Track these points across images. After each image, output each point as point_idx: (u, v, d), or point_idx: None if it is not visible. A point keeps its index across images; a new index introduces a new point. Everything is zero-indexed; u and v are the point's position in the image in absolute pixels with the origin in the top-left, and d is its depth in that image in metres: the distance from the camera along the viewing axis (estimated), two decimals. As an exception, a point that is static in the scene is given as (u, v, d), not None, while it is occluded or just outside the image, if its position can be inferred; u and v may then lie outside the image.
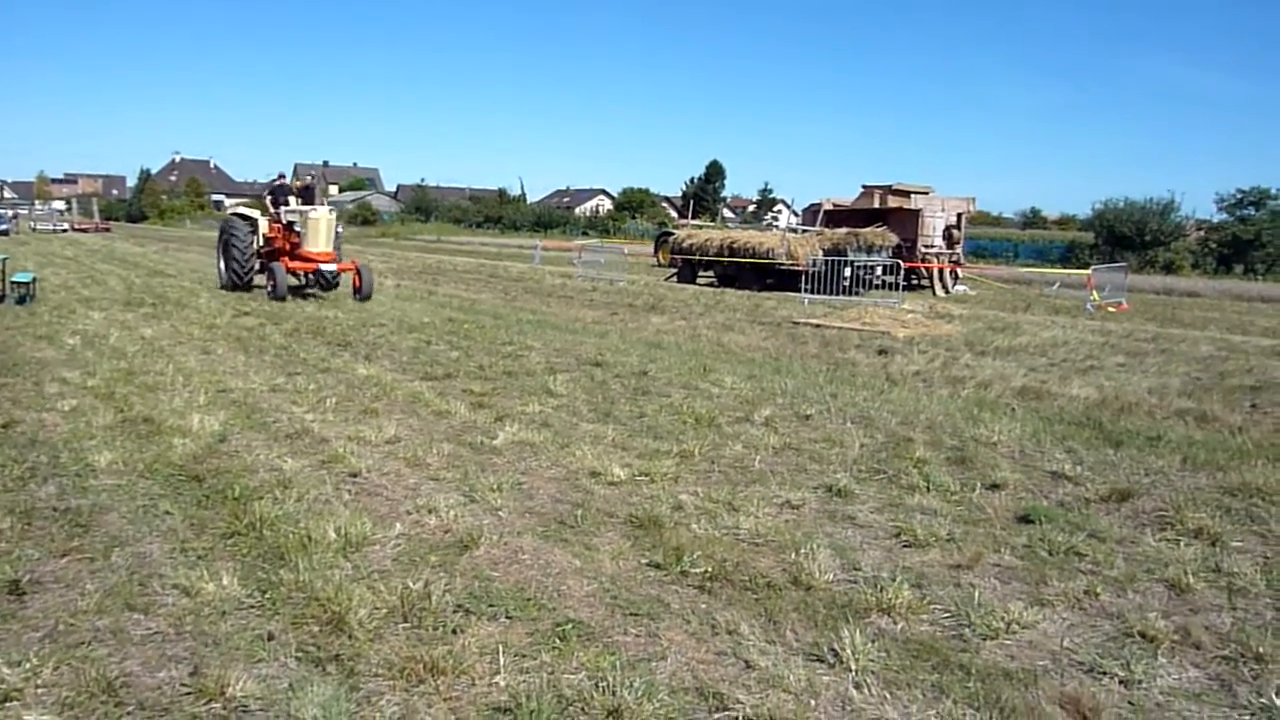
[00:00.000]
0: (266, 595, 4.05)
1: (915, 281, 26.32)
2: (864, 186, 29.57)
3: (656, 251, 34.08)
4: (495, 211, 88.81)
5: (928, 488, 5.89)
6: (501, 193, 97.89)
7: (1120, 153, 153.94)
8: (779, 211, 75.86)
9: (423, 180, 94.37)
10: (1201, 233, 48.95)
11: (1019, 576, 4.50)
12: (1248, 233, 45.10)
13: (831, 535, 5.00)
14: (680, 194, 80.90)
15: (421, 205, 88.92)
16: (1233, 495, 5.85)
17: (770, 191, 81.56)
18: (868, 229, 25.02)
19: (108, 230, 59.64)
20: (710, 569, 4.38)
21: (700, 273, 26.92)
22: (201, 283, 19.59)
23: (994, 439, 7.21)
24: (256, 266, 17.64)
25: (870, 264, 23.78)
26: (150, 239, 45.67)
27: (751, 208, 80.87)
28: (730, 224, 45.27)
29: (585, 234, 69.34)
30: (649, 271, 30.29)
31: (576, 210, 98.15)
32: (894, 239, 25.10)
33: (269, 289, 16.64)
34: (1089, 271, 26.44)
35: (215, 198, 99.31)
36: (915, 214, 27.10)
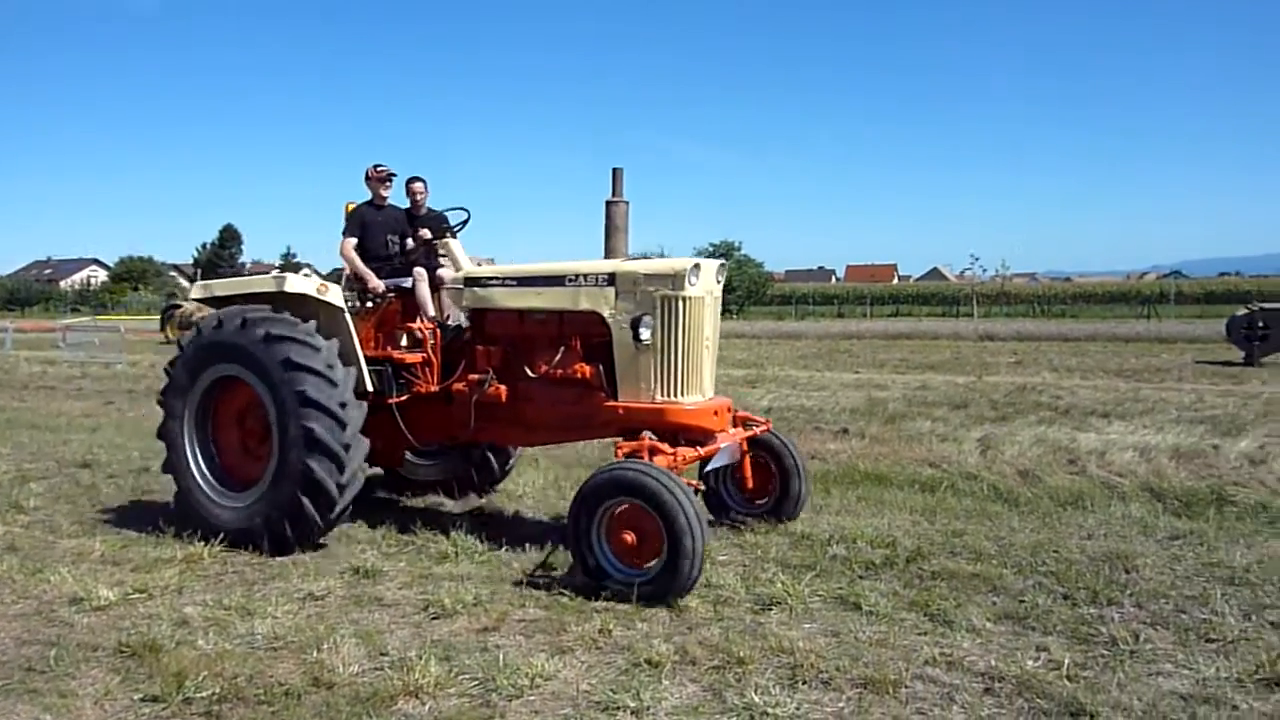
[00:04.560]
0: None
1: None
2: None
3: (164, 326, 30.77)
4: (-55, 289, 74.78)
5: (457, 554, 5.93)
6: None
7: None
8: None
9: None
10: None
11: (542, 628, 4.67)
12: (721, 277, 53.14)
13: (358, 622, 4.79)
14: (193, 261, 74.48)
15: None
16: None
17: (294, 255, 77.99)
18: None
19: None
20: (219, 689, 3.93)
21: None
22: None
23: (520, 492, 7.52)
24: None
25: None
26: None
27: (275, 272, 76.53)
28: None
29: (75, 310, 61.21)
30: (156, 350, 27.17)
31: (63, 284, 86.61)
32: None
33: (592, 566, 5.16)
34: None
35: None
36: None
